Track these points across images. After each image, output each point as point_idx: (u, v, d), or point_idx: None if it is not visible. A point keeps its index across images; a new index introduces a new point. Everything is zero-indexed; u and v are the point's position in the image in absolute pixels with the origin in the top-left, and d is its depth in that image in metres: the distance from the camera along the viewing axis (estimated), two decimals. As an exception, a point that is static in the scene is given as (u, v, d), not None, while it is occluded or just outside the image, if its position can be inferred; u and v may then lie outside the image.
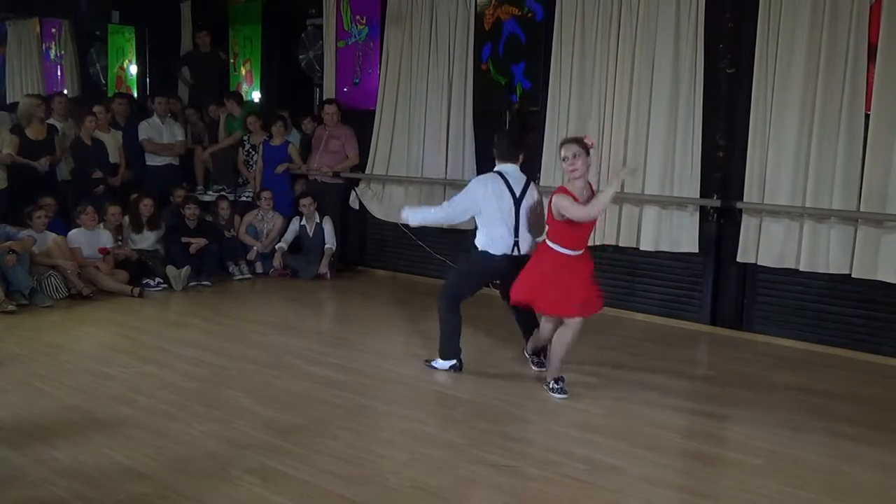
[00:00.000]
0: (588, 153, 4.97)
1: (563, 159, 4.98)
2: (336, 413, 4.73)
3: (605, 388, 5.32)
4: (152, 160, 9.35)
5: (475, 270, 5.57)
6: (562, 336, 5.14)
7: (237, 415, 4.64)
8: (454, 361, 5.54)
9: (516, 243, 5.37)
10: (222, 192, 9.37)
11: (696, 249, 6.94)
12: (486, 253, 5.42)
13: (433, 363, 5.61)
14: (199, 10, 10.94)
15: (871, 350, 6.24)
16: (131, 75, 11.53)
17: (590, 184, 5.14)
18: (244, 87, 10.62)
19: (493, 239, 5.38)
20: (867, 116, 6.07)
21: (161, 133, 9.36)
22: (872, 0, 5.99)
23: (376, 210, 9.13)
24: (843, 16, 6.10)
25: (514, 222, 5.35)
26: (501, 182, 5.39)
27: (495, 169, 5.51)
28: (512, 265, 5.32)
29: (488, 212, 5.35)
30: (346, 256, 9.38)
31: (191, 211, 8.42)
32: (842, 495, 3.84)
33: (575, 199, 4.90)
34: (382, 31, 8.99)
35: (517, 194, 5.37)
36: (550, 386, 5.14)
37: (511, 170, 5.46)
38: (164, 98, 9.56)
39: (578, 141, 5.02)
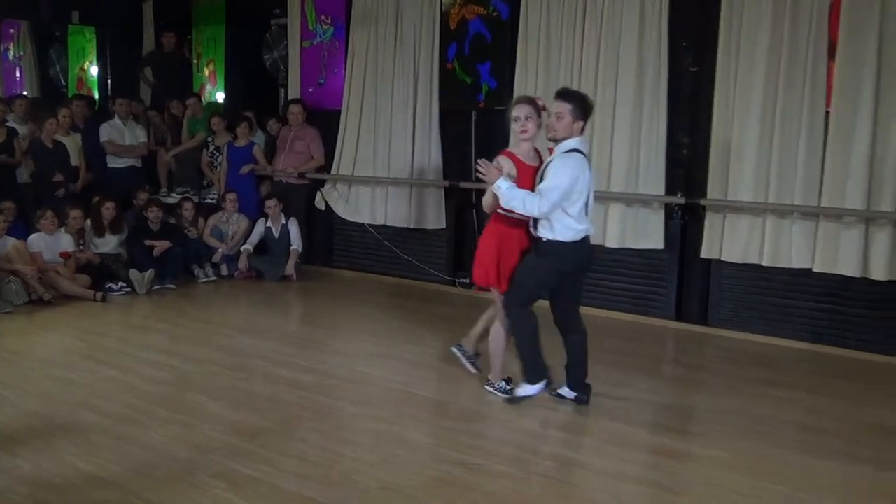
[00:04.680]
0: (539, 115, 4.80)
1: (515, 120, 4.80)
2: (303, 415, 4.69)
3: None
4: (114, 162, 9.23)
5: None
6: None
7: (202, 418, 4.59)
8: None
9: None
10: (186, 194, 9.29)
11: (661, 246, 7.00)
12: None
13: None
14: (162, 9, 10.82)
15: (833, 343, 6.33)
16: (92, 76, 11.39)
17: (538, 151, 4.96)
18: (208, 88, 10.52)
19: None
20: (827, 113, 6.16)
21: (123, 135, 9.24)
22: (832, -2, 6.09)
23: (342, 210, 9.10)
24: (804, 14, 6.19)
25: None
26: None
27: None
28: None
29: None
30: (312, 257, 9.33)
31: (154, 213, 8.31)
32: (807, 488, 3.88)
33: (521, 163, 4.80)
34: (348, 31, 8.96)
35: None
36: (500, 386, 5.09)
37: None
38: (125, 100, 9.44)
39: (531, 101, 4.85)
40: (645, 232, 7.05)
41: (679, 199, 6.90)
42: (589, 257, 4.94)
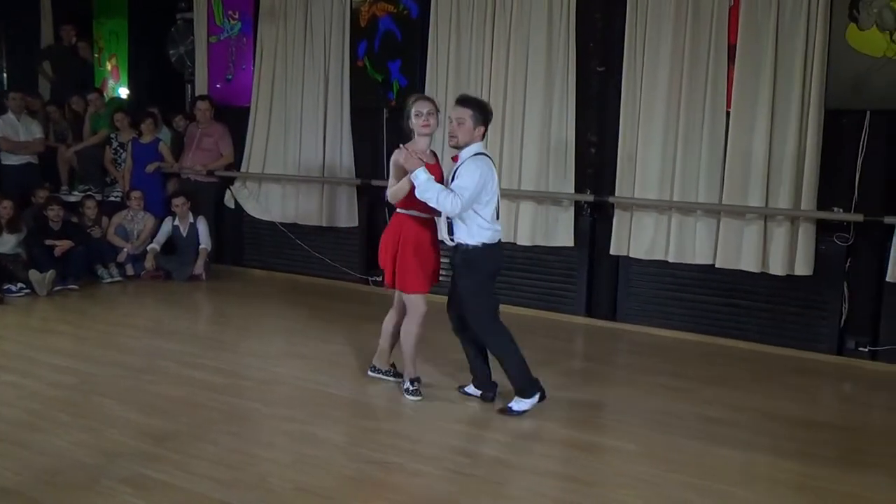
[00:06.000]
0: (438, 114, 4.90)
1: (417, 115, 4.81)
2: (214, 417, 4.60)
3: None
4: (9, 159, 8.85)
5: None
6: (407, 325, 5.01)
7: (109, 423, 4.45)
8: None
9: None
10: (88, 192, 8.99)
11: (571, 243, 7.13)
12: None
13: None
14: (60, 1, 10.43)
15: (734, 336, 6.56)
16: (-15, 70, 10.89)
17: (434, 152, 5.03)
18: (110, 83, 10.21)
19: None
20: (728, 114, 6.37)
21: (17, 130, 8.86)
22: (731, 2, 6.30)
23: (252, 209, 8.97)
24: (705, 17, 6.39)
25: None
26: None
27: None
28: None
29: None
30: (222, 256, 9.17)
31: (54, 212, 8.02)
32: (711, 476, 4.01)
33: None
34: (256, 26, 8.82)
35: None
36: (406, 387, 5.07)
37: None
38: (18, 94, 9.06)
39: (432, 100, 4.95)
40: (555, 230, 7.16)
41: (588, 197, 7.04)
42: (503, 259, 5.08)
